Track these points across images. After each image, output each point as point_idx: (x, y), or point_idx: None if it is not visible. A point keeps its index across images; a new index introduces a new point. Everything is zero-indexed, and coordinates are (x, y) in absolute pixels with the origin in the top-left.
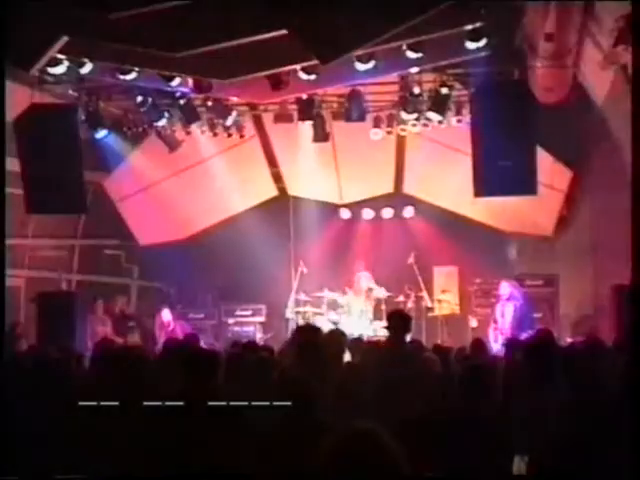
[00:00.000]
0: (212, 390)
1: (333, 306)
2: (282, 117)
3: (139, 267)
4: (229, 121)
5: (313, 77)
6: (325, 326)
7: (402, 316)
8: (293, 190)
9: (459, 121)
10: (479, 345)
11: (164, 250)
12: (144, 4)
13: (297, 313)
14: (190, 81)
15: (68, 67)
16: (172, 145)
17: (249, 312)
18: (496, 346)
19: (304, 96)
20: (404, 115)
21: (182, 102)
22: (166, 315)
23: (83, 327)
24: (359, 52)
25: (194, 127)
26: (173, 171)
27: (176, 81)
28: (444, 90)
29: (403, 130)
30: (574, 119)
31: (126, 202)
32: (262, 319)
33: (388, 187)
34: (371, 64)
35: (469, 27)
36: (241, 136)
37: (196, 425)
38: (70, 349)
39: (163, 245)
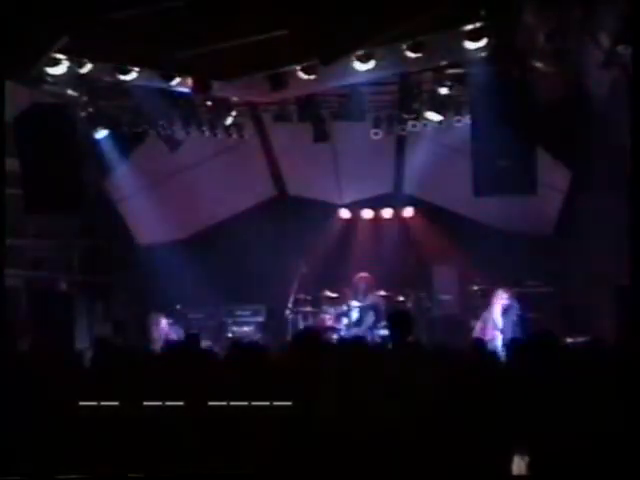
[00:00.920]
0: (212, 390)
1: (333, 306)
2: (282, 117)
3: (139, 267)
4: (229, 121)
5: (313, 77)
6: (325, 326)
7: (403, 316)
8: (293, 190)
9: (459, 121)
10: (479, 345)
11: (164, 250)
12: (144, 4)
13: (297, 313)
14: (190, 81)
15: (68, 67)
16: (172, 145)
17: (249, 312)
18: (496, 346)
19: (304, 96)
20: (404, 115)
21: (182, 102)
22: (162, 322)
23: (82, 327)
24: (359, 52)
25: (194, 127)
26: (173, 171)
27: (176, 81)
28: (444, 90)
29: (403, 130)
30: (574, 119)
31: (126, 202)
32: (262, 319)
33: (388, 187)
34: (371, 64)
35: (469, 27)
36: (241, 136)
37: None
38: (70, 349)
39: (163, 245)
